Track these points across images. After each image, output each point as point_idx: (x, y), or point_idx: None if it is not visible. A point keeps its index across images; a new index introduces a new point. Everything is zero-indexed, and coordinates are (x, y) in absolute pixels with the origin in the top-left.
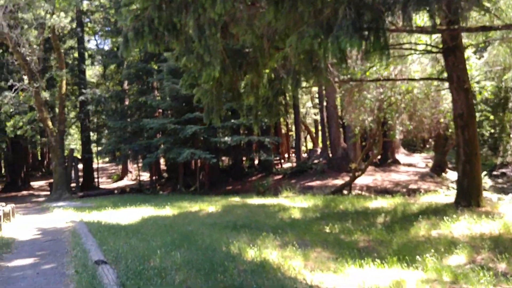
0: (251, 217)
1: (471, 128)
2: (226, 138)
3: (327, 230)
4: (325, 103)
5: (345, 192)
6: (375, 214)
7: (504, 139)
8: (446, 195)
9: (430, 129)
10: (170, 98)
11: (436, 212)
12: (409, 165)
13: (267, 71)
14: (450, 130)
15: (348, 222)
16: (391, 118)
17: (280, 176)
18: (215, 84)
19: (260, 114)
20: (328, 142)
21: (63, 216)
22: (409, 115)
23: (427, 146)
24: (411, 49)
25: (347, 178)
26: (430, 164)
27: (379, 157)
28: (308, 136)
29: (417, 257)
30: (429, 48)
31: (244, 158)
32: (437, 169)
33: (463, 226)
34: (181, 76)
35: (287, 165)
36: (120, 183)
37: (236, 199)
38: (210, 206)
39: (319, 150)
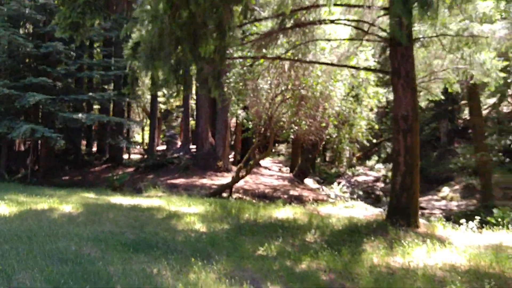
0: (140, 226)
1: (414, 133)
2: (80, 115)
3: (262, 252)
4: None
5: (224, 194)
6: (300, 229)
7: (340, 151)
8: (346, 207)
9: (315, 132)
10: (6, 53)
11: (374, 232)
12: (266, 168)
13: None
14: (334, 136)
15: (277, 240)
16: (289, 116)
17: (131, 169)
18: (171, 10)
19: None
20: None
21: None
22: (304, 114)
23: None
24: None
25: (215, 178)
26: (284, 169)
27: (238, 157)
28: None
29: None
30: (376, 34)
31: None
32: (301, 175)
33: (422, 253)
34: (21, 26)
35: (134, 156)
36: None
37: (90, 195)
38: (64, 205)
39: (179, 143)
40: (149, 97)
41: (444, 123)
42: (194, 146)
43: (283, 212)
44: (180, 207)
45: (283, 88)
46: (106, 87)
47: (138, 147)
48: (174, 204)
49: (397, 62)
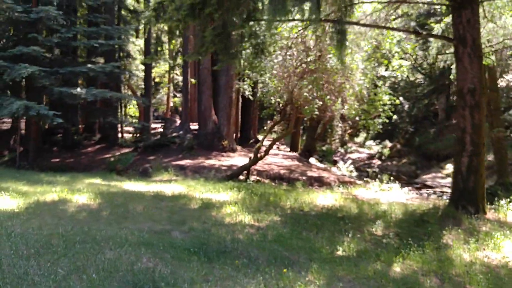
0: (182, 222)
1: (482, 109)
2: (78, 90)
3: (342, 252)
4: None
5: (241, 177)
6: (359, 220)
7: (334, 128)
8: (382, 190)
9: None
10: None
11: (444, 221)
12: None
13: None
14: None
15: (345, 235)
16: (312, 90)
17: (128, 149)
18: None
19: None
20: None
21: None
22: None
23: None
24: None
25: (221, 158)
26: (281, 147)
27: (238, 135)
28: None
29: None
30: None
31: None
32: (306, 154)
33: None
34: None
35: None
36: None
37: (97, 181)
38: (76, 195)
39: (178, 121)
40: (138, 72)
41: (441, 99)
42: (193, 124)
43: (324, 199)
44: (206, 193)
45: (307, 60)
46: (93, 59)
47: (137, 125)
48: (198, 190)
49: (463, 28)
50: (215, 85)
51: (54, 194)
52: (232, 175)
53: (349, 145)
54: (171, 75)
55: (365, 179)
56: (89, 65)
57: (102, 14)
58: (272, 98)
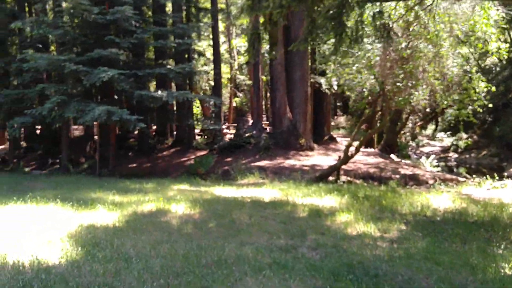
0: (301, 235)
1: None
2: (159, 93)
3: (508, 270)
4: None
5: (330, 178)
6: (498, 226)
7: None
8: (494, 187)
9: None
10: (68, 22)
11: None
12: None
13: None
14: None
15: (497, 246)
16: (405, 80)
17: (204, 152)
18: None
19: None
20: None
21: None
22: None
23: None
24: None
25: (300, 158)
26: (355, 144)
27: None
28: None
29: None
30: None
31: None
32: (387, 149)
33: None
34: None
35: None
36: None
37: (186, 187)
38: (173, 204)
39: (250, 120)
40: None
41: None
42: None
43: (439, 201)
44: (307, 198)
45: (398, 47)
46: (164, 61)
47: (215, 127)
48: (294, 194)
49: None
50: (287, 80)
51: (151, 204)
52: (321, 176)
53: (419, 138)
54: (232, 74)
55: (472, 176)
56: (169, 66)
57: (169, 14)
58: (364, 90)
